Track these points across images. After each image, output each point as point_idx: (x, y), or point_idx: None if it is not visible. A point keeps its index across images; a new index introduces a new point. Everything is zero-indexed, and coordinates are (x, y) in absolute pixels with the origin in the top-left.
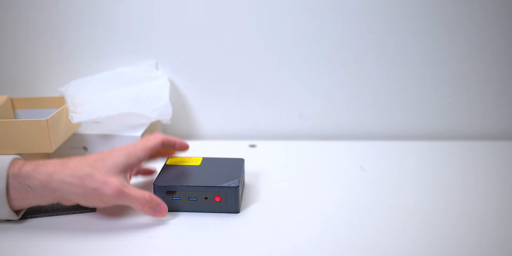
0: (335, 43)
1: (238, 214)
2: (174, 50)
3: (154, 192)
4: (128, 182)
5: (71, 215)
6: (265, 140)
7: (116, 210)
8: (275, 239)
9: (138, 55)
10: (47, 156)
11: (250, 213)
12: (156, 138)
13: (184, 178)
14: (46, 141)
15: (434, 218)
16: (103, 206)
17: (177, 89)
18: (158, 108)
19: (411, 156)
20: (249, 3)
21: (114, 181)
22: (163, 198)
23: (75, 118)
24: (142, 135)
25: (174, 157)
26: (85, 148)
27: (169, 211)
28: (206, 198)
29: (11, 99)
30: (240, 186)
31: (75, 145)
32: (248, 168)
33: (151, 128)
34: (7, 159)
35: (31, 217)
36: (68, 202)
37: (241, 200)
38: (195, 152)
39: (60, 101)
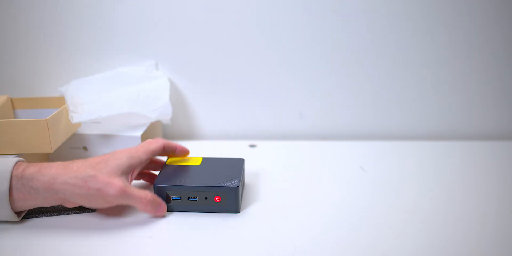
0: (335, 43)
1: (238, 214)
2: (174, 50)
3: (154, 192)
4: (130, 183)
5: (71, 215)
6: (265, 140)
7: (116, 210)
8: (275, 239)
9: (138, 55)
10: (47, 156)
11: (250, 213)
12: (157, 142)
13: (184, 178)
14: (46, 141)
15: (434, 218)
16: (106, 207)
17: (177, 89)
18: (158, 108)
19: (411, 156)
20: (249, 3)
21: (117, 182)
22: (163, 198)
23: (75, 118)
24: (142, 135)
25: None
26: (85, 148)
27: (169, 211)
28: (206, 198)
29: (11, 99)
30: (240, 186)
31: (75, 145)
32: (248, 168)
33: (151, 128)
34: (11, 161)
35: (31, 217)
36: (70, 204)
37: (241, 200)
38: (195, 152)
39: (60, 101)
